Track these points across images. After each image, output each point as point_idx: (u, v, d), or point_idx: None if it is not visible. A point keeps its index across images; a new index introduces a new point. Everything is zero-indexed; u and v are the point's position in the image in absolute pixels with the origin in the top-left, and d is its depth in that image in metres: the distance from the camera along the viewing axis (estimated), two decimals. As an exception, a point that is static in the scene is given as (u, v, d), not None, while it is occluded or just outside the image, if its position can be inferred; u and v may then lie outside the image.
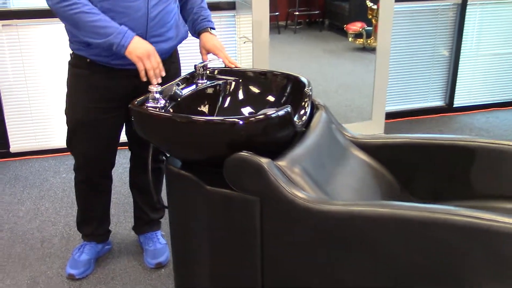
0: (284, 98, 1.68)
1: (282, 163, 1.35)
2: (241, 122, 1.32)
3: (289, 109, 1.39)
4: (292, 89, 1.67)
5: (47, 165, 2.94)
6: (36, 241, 2.20)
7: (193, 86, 1.68)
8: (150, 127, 1.46)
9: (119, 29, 1.52)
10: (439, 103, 3.66)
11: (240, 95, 1.73)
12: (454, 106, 3.64)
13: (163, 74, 1.59)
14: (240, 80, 1.75)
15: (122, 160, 2.76)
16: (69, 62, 1.73)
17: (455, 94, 3.62)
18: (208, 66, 1.74)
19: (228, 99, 1.72)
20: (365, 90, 3.22)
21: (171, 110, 1.52)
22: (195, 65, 1.70)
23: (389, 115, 3.45)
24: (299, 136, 1.48)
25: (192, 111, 1.63)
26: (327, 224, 1.26)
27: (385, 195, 1.60)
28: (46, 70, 2.92)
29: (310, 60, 3.55)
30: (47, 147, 3.07)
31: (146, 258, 2.02)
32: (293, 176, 1.35)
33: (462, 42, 3.49)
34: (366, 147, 1.68)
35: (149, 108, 1.47)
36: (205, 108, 1.68)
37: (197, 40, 1.81)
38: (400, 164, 1.66)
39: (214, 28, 1.79)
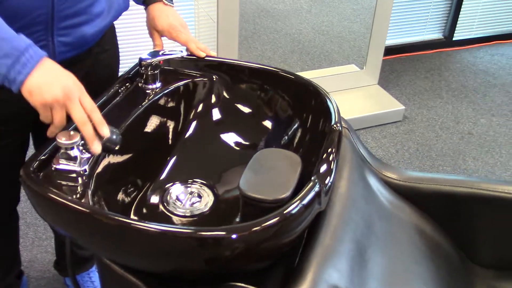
0: (291, 129, 1.02)
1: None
2: (234, 237, 0.69)
3: (318, 188, 0.77)
4: (307, 113, 1.00)
5: None
6: None
7: (136, 95, 0.99)
8: (59, 218, 0.79)
9: (11, 44, 0.75)
10: (437, 35, 3.04)
11: (216, 113, 1.05)
12: (454, 39, 3.04)
13: (106, 133, 0.80)
14: (215, 79, 1.06)
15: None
16: None
17: (457, 25, 3.00)
18: (163, 57, 1.04)
19: (195, 122, 1.04)
20: (343, 12, 2.68)
21: (99, 170, 0.85)
22: (140, 59, 1.00)
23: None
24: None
25: (135, 158, 0.95)
26: None
27: (444, 276, 1.05)
28: None
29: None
30: None
31: (77, 311, 1.43)
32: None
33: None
34: (412, 196, 1.09)
35: (56, 183, 0.80)
36: (157, 143, 1.00)
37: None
38: (458, 221, 1.11)
39: (171, -4, 1.04)
